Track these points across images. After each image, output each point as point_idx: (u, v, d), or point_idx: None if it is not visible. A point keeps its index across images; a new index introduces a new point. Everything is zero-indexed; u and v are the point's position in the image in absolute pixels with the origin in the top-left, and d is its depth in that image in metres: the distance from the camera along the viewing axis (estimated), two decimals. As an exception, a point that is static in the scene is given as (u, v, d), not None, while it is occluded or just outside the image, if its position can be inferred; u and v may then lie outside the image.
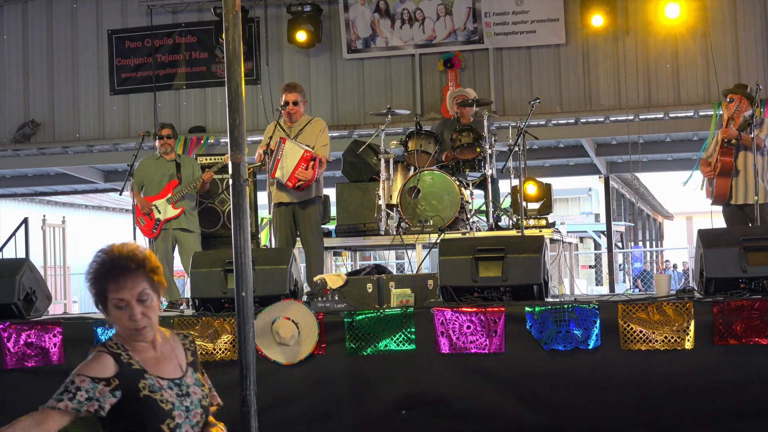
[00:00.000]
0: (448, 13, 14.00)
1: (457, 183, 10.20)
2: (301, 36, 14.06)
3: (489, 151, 10.40)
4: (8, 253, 15.68)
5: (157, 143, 10.59)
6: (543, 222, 10.28)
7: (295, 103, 9.64)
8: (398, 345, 7.58)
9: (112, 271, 3.82)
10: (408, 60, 14.35)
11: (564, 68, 13.92)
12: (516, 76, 14.08)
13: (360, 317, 7.63)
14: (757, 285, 7.29)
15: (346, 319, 7.64)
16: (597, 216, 31.56)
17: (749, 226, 9.27)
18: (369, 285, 8.19)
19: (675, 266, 28.50)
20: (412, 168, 10.54)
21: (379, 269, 9.49)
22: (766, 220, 9.34)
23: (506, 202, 11.23)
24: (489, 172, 10.42)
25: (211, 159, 11.37)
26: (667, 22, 13.17)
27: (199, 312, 8.12)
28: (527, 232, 9.71)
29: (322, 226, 10.27)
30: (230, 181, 5.10)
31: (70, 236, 17.14)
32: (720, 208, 9.86)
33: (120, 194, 11.19)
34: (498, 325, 7.36)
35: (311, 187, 9.56)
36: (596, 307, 7.30)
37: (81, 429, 7.97)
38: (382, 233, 10.31)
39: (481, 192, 10.97)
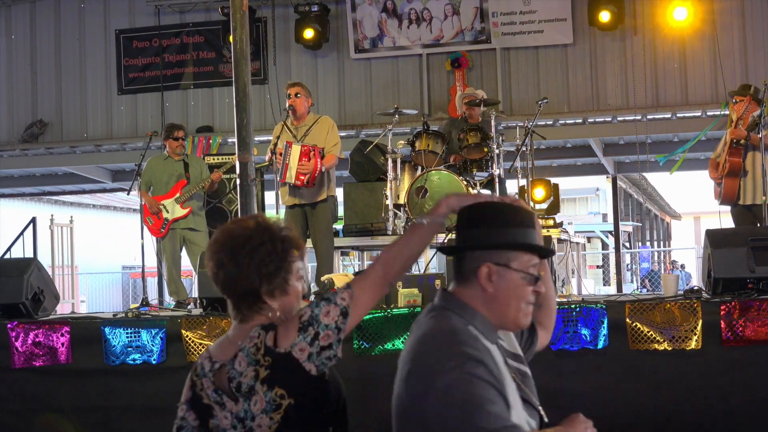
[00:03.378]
0: (456, 13, 13.99)
1: (465, 183, 10.19)
2: (309, 36, 14.06)
3: (496, 151, 10.39)
4: (16, 252, 15.70)
5: (169, 144, 10.56)
6: (550, 222, 10.27)
7: (297, 95, 9.65)
8: (405, 345, 7.58)
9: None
10: (415, 60, 14.36)
11: (571, 68, 13.91)
12: (523, 76, 14.08)
13: (367, 317, 7.63)
14: (765, 285, 7.27)
15: (353, 319, 7.63)
16: (604, 216, 31.53)
17: (757, 227, 9.26)
18: (376, 285, 8.18)
19: (683, 266, 28.44)
20: (420, 168, 10.54)
21: (387, 269, 9.48)
22: None
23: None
24: (496, 172, 10.41)
25: (218, 159, 11.38)
26: (674, 22, 13.16)
27: (206, 311, 8.12)
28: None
29: (329, 226, 10.29)
30: (238, 181, 5.11)
31: (78, 236, 17.16)
32: (728, 208, 9.86)
33: (128, 194, 11.21)
34: (505, 325, 7.35)
35: (323, 186, 9.57)
36: (604, 307, 7.29)
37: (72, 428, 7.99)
38: (390, 233, 10.30)
39: (489, 192, 10.97)
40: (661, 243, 35.66)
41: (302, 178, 9.33)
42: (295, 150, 9.33)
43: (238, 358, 3.14)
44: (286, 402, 3.06)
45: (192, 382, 3.28)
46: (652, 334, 7.15)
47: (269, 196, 12.34)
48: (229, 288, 3.28)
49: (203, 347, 7.80)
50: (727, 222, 9.98)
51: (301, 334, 3.09)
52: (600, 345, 7.25)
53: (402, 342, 7.57)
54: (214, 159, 11.38)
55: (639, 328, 7.17)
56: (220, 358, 3.20)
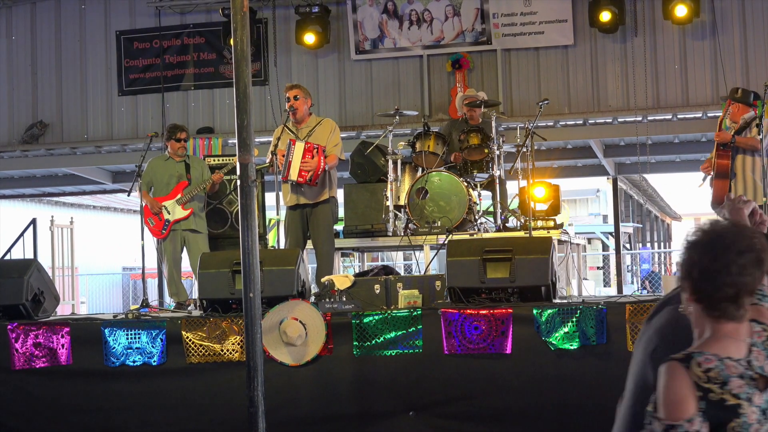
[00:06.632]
0: (456, 14, 13.99)
1: (465, 184, 10.19)
2: (309, 37, 14.05)
3: (497, 152, 10.40)
4: (16, 253, 15.71)
5: (171, 146, 10.51)
6: (551, 223, 10.28)
7: (296, 98, 9.66)
8: (405, 346, 7.57)
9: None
10: (416, 61, 14.35)
11: (572, 69, 13.90)
12: (524, 77, 14.07)
13: (367, 318, 7.63)
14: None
15: (353, 320, 7.64)
16: (605, 217, 31.51)
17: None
18: (377, 286, 8.19)
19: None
20: (420, 169, 10.54)
21: (387, 270, 9.49)
22: None
23: (514, 204, 11.22)
24: (497, 173, 10.41)
25: (219, 160, 11.37)
26: (675, 23, 13.15)
27: (206, 313, 8.12)
28: (535, 234, 9.71)
29: (329, 227, 10.28)
30: (238, 182, 5.10)
31: (78, 237, 17.16)
32: (724, 210, 9.87)
33: (128, 195, 11.21)
34: (505, 326, 7.35)
35: (325, 187, 9.57)
36: (604, 308, 7.29)
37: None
38: (390, 234, 10.30)
39: (489, 193, 10.98)
40: (662, 244, 35.65)
41: (305, 174, 9.32)
42: (299, 147, 9.33)
43: (753, 354, 3.12)
44: None
45: (702, 390, 3.05)
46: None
47: (270, 198, 12.34)
48: (752, 286, 3.17)
49: (203, 348, 7.80)
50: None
51: None
52: (599, 345, 7.26)
53: (403, 343, 7.56)
54: (214, 160, 11.37)
55: (639, 329, 7.16)
56: (737, 355, 3.12)
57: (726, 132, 9.61)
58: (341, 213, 10.93)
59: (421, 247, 10.20)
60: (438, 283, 8.12)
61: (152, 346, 7.93)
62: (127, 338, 7.96)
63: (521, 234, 10.01)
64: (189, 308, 9.78)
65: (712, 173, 9.73)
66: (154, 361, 7.93)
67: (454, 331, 7.44)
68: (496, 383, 7.46)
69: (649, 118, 13.76)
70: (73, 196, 23.32)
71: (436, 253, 9.93)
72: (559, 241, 10.06)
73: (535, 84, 14.01)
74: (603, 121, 14.18)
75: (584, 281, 13.32)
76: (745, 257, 3.09)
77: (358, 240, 10.77)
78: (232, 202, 11.05)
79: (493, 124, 10.49)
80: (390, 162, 10.33)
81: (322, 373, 7.68)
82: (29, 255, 15.68)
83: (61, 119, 15.39)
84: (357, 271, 13.18)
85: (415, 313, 7.59)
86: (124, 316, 8.56)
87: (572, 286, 10.95)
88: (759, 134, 9.42)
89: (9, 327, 8.10)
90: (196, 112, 15.00)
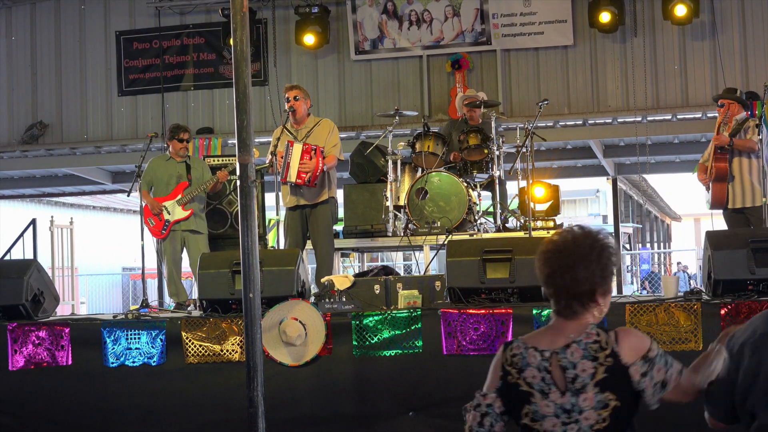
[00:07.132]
0: (456, 15, 14.00)
1: (465, 184, 10.19)
2: (309, 38, 14.06)
3: (497, 153, 10.40)
4: (16, 254, 15.71)
5: (173, 145, 10.47)
6: (551, 223, 10.28)
7: (296, 99, 9.66)
8: (405, 346, 7.57)
9: None
10: (416, 61, 14.36)
11: (572, 69, 13.92)
12: (524, 78, 14.08)
13: (367, 318, 7.62)
14: (765, 287, 7.26)
15: (353, 321, 7.63)
16: (605, 218, 31.53)
17: (757, 228, 9.26)
18: (376, 286, 8.18)
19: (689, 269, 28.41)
20: (420, 169, 10.54)
21: (387, 270, 9.49)
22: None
23: (514, 204, 11.21)
24: (497, 173, 10.42)
25: (219, 160, 11.37)
26: (674, 23, 13.16)
27: (206, 313, 8.11)
28: (535, 234, 9.70)
29: (328, 227, 10.28)
30: (238, 183, 5.10)
31: (78, 237, 17.16)
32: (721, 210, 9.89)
33: (128, 195, 11.17)
34: (505, 326, 7.35)
35: (324, 187, 9.57)
36: (604, 308, 7.28)
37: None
38: (390, 234, 10.30)
39: (489, 193, 10.97)
40: (661, 245, 35.66)
41: (303, 176, 9.32)
42: (297, 148, 9.34)
43: (571, 348, 3.46)
44: (614, 404, 3.46)
45: (504, 371, 3.54)
46: (651, 336, 7.13)
47: (269, 198, 12.34)
48: (570, 289, 3.50)
49: (203, 349, 7.79)
50: (721, 224, 9.99)
51: (642, 361, 3.52)
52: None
53: (403, 344, 7.55)
54: (214, 160, 11.37)
55: (639, 330, 7.16)
56: (547, 347, 3.48)
57: (723, 135, 9.61)
58: (341, 213, 10.92)
59: (420, 248, 10.20)
60: (438, 283, 8.11)
61: (152, 347, 7.92)
62: (127, 339, 7.95)
63: (521, 234, 10.01)
64: (189, 308, 9.77)
65: (708, 182, 9.74)
66: (154, 362, 7.92)
67: (453, 331, 7.43)
68: (496, 383, 7.45)
69: (648, 118, 13.77)
70: (73, 197, 23.31)
71: (436, 254, 9.93)
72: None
73: (534, 84, 14.02)
74: (602, 121, 14.20)
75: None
76: (557, 261, 3.49)
77: (358, 240, 10.76)
78: (232, 202, 11.05)
79: (493, 124, 10.50)
80: (390, 162, 10.33)
81: (322, 373, 7.68)
82: (29, 255, 15.68)
83: (60, 119, 15.40)
84: (357, 271, 13.18)
85: (414, 313, 7.58)
86: (123, 316, 8.55)
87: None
88: (759, 134, 9.42)
89: (9, 327, 8.09)
90: (195, 113, 15.02)
